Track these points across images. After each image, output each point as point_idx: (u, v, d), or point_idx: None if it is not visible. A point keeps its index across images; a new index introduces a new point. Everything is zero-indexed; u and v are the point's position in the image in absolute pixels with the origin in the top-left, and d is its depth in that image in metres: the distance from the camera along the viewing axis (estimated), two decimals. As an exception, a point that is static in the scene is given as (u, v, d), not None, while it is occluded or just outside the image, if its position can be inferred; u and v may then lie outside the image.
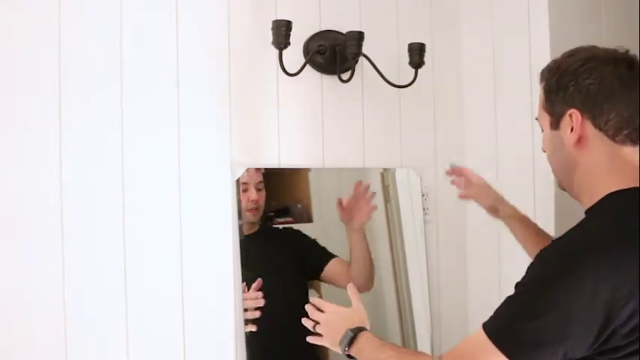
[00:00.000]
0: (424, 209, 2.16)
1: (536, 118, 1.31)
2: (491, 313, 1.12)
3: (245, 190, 1.82)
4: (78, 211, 1.56)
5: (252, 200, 1.83)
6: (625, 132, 1.18)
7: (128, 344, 1.62)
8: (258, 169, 1.83)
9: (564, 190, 1.30)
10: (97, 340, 1.58)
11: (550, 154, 1.27)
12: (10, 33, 1.50)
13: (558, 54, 1.29)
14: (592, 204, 1.20)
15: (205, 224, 1.75)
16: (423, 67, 1.97)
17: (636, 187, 1.17)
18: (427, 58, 1.97)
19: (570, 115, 1.19)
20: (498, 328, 1.13)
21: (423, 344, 2.12)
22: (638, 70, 1.19)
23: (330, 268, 1.97)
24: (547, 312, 1.08)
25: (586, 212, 1.22)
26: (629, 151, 1.19)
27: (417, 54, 1.96)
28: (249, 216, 1.82)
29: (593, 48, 1.23)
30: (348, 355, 1.38)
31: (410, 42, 1.96)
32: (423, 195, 2.15)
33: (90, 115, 1.59)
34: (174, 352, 1.69)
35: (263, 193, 1.86)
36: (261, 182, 1.84)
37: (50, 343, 1.52)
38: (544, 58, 1.36)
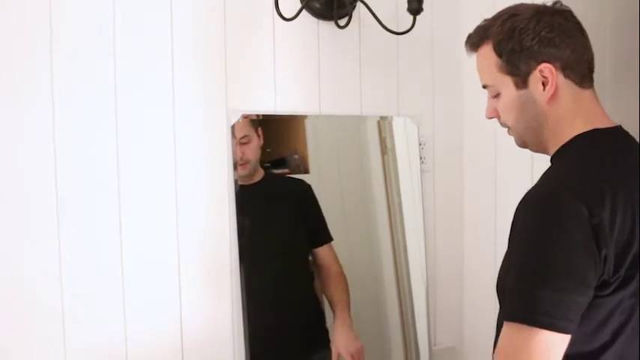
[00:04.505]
0: (421, 158, 2.15)
1: (484, 86, 1.31)
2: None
3: None
4: (70, 157, 1.55)
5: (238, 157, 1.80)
6: (588, 76, 1.23)
7: (124, 300, 1.63)
8: (246, 117, 1.79)
9: (525, 147, 1.32)
10: (93, 300, 1.59)
11: (517, 115, 1.26)
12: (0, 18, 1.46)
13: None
14: (556, 149, 1.24)
15: (201, 171, 1.74)
16: (422, 13, 1.93)
17: (597, 129, 1.21)
18: (426, 4, 1.93)
19: (541, 71, 1.20)
20: (523, 309, 1.10)
21: (419, 296, 2.14)
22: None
23: (322, 251, 1.97)
24: (556, 268, 1.08)
25: (551, 158, 1.26)
26: (589, 93, 1.24)
27: (415, 0, 1.91)
28: (239, 171, 1.80)
29: (527, 5, 1.26)
30: None
31: (408, -13, 1.92)
32: (420, 144, 2.14)
33: (83, 56, 1.56)
34: (170, 305, 1.70)
35: (251, 145, 1.81)
36: (245, 137, 1.80)
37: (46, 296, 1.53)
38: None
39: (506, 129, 1.33)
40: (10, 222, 1.48)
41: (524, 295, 1.10)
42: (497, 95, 1.28)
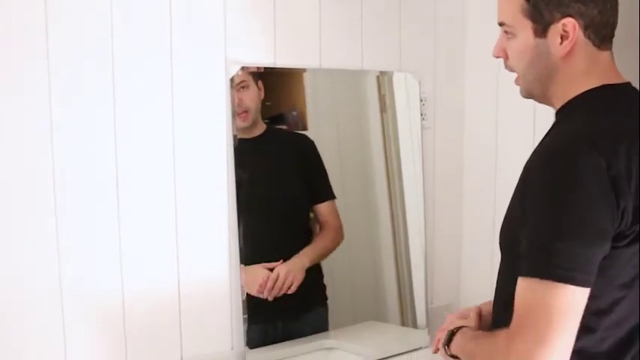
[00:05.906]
0: (422, 115, 2.12)
1: (501, 23, 1.26)
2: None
3: None
4: (68, 117, 1.52)
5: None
6: (608, 39, 1.20)
7: (121, 253, 1.62)
8: (244, 68, 1.77)
9: (530, 98, 1.29)
10: (88, 248, 1.58)
11: (528, 63, 1.23)
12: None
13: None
14: (563, 103, 1.21)
15: (199, 125, 1.71)
16: (426, -35, 1.90)
17: (607, 84, 1.19)
18: (430, -45, 1.90)
19: (564, 24, 1.17)
20: (542, 263, 1.07)
21: (417, 254, 2.14)
22: None
23: (323, 207, 1.96)
24: (575, 220, 1.06)
25: (557, 112, 1.23)
26: (605, 55, 1.21)
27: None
28: (239, 122, 1.77)
29: None
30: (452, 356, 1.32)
31: (412, -62, 1.88)
32: (421, 100, 2.11)
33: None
34: (168, 260, 1.70)
35: (249, 92, 1.78)
36: (242, 81, 1.76)
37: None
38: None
39: (510, 83, 1.30)
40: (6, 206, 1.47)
41: (542, 250, 1.07)
42: (511, 36, 1.25)
